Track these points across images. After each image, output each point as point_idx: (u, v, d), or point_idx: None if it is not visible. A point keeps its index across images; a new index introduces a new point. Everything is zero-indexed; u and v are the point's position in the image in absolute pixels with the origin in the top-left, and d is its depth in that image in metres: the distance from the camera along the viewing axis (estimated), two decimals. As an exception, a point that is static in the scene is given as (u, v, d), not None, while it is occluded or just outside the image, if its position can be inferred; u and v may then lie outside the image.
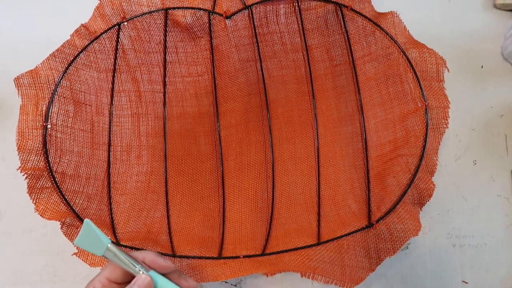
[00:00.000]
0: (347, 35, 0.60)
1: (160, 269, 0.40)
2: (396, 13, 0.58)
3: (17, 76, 0.53)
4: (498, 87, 0.62)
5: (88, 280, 0.54)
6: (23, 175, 0.49)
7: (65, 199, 0.51)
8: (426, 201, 0.53)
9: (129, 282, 0.39)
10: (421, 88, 0.54)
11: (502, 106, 0.61)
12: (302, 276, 0.51)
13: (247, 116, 0.61)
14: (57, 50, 0.56)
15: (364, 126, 0.57)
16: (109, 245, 0.39)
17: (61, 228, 0.50)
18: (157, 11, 0.59)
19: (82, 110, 0.57)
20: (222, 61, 0.61)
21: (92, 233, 0.40)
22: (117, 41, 0.59)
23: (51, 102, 0.53)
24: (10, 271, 0.55)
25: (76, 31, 0.57)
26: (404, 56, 0.56)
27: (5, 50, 0.62)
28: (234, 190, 0.58)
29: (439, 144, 0.54)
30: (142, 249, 0.51)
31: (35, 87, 0.53)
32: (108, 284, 0.39)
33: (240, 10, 0.60)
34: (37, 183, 0.51)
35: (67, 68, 0.56)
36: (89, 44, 0.57)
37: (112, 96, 0.59)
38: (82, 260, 0.50)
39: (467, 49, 0.63)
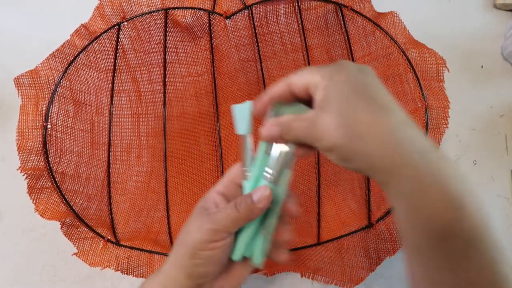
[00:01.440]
0: (347, 35, 0.60)
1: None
2: (396, 13, 0.58)
3: (17, 76, 0.53)
4: (498, 87, 0.62)
5: (88, 280, 0.54)
6: (23, 175, 0.50)
7: (65, 199, 0.51)
8: (426, 201, 0.53)
9: None
10: (421, 88, 0.54)
11: (502, 106, 0.61)
12: (302, 277, 0.51)
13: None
14: (57, 50, 0.56)
15: (364, 126, 0.57)
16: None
17: (61, 228, 0.50)
18: (157, 11, 0.59)
19: (82, 110, 0.57)
20: (222, 61, 0.61)
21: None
22: (117, 41, 0.59)
23: (51, 102, 0.53)
24: (10, 271, 0.55)
25: (76, 31, 0.57)
26: (404, 56, 0.56)
27: (5, 50, 0.62)
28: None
29: (439, 144, 0.54)
30: (142, 249, 0.51)
31: (35, 87, 0.53)
32: (229, 185, 0.38)
33: (240, 10, 0.60)
34: (37, 183, 0.51)
35: (67, 68, 0.56)
36: (89, 44, 0.57)
37: (112, 96, 0.59)
38: (82, 260, 0.50)
39: (467, 49, 0.63)
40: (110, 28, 0.59)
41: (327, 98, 0.31)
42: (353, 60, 0.59)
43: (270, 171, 0.36)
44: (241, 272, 0.38)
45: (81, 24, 0.58)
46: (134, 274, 0.50)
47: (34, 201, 0.50)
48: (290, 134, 0.34)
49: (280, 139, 0.35)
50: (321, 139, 0.31)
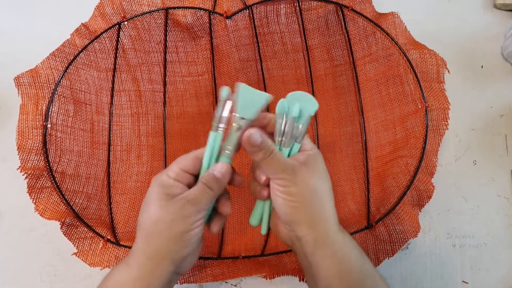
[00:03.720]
0: (348, 36, 0.60)
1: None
2: (397, 14, 0.58)
3: (17, 76, 0.53)
4: (498, 87, 0.62)
5: (88, 280, 0.54)
6: (23, 175, 0.49)
7: (65, 199, 0.51)
8: (426, 203, 0.53)
9: (197, 174, 0.41)
10: (421, 89, 0.54)
11: (502, 106, 0.61)
12: (300, 281, 0.51)
13: (247, 116, 0.61)
14: (57, 50, 0.56)
15: (364, 127, 0.57)
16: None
17: (60, 228, 0.50)
18: (158, 10, 0.59)
19: (82, 109, 0.57)
20: (223, 61, 0.61)
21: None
22: (117, 41, 0.59)
23: (51, 101, 0.53)
24: (10, 271, 0.55)
25: (76, 30, 0.57)
26: (404, 57, 0.56)
27: (5, 50, 0.62)
28: (234, 190, 0.58)
29: (439, 146, 0.54)
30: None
31: (35, 86, 0.53)
32: (180, 173, 0.41)
33: (240, 10, 0.60)
34: (37, 182, 0.51)
35: (67, 68, 0.56)
36: (89, 44, 0.57)
37: (112, 96, 0.59)
38: (82, 260, 0.50)
39: (467, 49, 0.63)
40: (110, 28, 0.58)
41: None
42: (353, 60, 0.59)
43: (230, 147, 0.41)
44: (200, 247, 0.44)
45: (82, 24, 0.58)
46: (134, 274, 0.50)
47: (34, 201, 0.50)
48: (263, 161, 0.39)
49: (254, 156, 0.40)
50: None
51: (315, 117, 0.59)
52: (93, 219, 0.53)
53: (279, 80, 0.62)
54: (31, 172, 0.50)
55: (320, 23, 0.61)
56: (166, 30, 0.61)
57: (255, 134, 0.39)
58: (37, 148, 0.51)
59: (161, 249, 0.39)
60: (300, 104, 0.40)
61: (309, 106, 0.40)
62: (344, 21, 0.59)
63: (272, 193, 0.40)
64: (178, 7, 0.59)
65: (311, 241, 0.40)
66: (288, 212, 0.39)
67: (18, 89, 0.53)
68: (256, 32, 0.60)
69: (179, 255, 0.40)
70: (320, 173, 0.40)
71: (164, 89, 0.61)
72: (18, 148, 0.50)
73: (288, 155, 0.41)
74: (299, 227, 0.40)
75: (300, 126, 0.40)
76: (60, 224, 0.50)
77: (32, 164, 0.51)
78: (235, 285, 0.55)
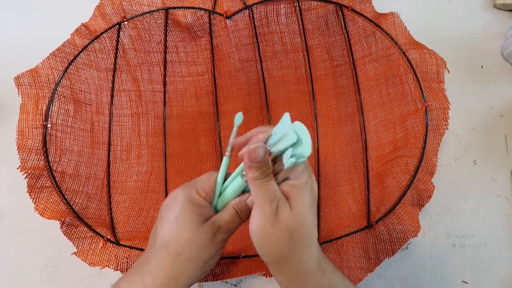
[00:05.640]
0: (348, 36, 0.60)
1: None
2: (397, 14, 0.58)
3: (17, 75, 0.53)
4: (498, 87, 0.62)
5: (88, 280, 0.54)
6: (23, 174, 0.49)
7: (65, 199, 0.51)
8: (426, 202, 0.53)
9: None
10: (421, 89, 0.54)
11: (502, 106, 0.61)
12: (301, 279, 0.51)
13: (247, 116, 0.61)
14: (57, 50, 0.56)
15: (364, 127, 0.57)
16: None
17: (60, 228, 0.50)
18: (158, 10, 0.59)
19: (82, 109, 0.57)
20: (223, 61, 0.61)
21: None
22: (118, 41, 0.59)
23: (51, 101, 0.53)
24: (10, 271, 0.55)
25: (77, 30, 0.57)
26: (404, 57, 0.56)
27: (5, 50, 0.62)
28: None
29: (439, 145, 0.54)
30: (142, 248, 0.51)
31: (35, 86, 0.53)
32: (209, 193, 0.41)
33: (240, 10, 0.60)
34: (37, 182, 0.51)
35: (67, 67, 0.56)
36: (89, 44, 0.57)
37: (112, 96, 0.59)
38: (82, 259, 0.50)
39: (467, 49, 0.63)
40: (110, 28, 0.58)
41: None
42: (353, 60, 0.59)
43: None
44: None
45: (82, 24, 0.58)
46: (134, 274, 0.50)
47: (34, 200, 0.50)
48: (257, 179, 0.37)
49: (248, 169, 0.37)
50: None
51: (315, 117, 0.59)
52: (93, 219, 0.53)
53: (279, 80, 0.62)
54: (31, 172, 0.50)
55: (320, 23, 0.61)
56: (166, 30, 0.61)
57: (261, 148, 0.36)
58: (37, 148, 0.51)
59: (185, 273, 0.38)
60: (295, 148, 0.37)
61: (303, 150, 0.37)
62: (344, 21, 0.59)
63: (250, 215, 0.38)
64: (178, 7, 0.59)
65: (279, 279, 0.39)
66: (255, 243, 0.38)
67: (18, 89, 0.53)
68: (256, 32, 0.61)
69: (197, 279, 0.39)
70: (303, 209, 0.37)
71: (164, 89, 0.61)
72: (18, 147, 0.50)
73: None
74: (267, 263, 0.38)
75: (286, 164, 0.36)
76: (60, 223, 0.50)
77: (32, 163, 0.51)
78: (235, 285, 0.55)
